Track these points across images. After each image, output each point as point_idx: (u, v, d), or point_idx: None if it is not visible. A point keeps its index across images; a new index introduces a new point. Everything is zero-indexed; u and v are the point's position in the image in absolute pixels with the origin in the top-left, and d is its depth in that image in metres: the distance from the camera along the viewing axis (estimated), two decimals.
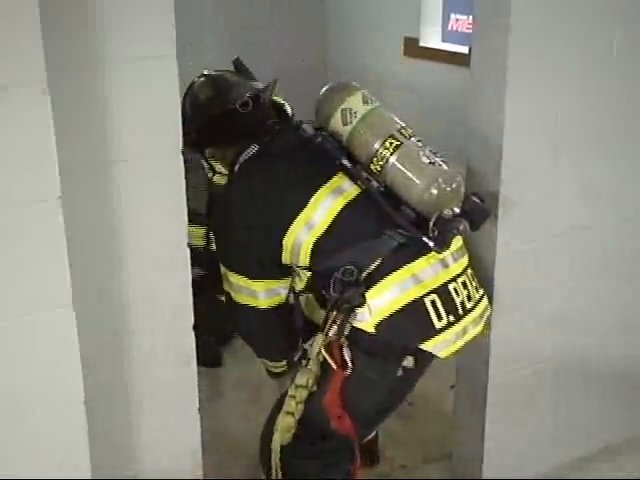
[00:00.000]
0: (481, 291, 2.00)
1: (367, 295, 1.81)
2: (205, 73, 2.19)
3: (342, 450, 2.03)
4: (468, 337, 1.92)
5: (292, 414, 1.91)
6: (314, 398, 1.92)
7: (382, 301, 1.82)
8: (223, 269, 2.04)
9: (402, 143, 1.87)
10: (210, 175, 3.19)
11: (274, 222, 1.91)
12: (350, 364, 1.84)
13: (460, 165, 2.14)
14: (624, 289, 2.53)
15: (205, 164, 3.20)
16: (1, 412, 1.54)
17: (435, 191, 1.83)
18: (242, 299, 2.02)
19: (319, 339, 1.85)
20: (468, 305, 1.91)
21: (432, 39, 5.38)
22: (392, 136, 1.88)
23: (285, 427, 1.94)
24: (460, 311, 1.89)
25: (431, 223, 1.82)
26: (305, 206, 1.88)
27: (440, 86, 4.99)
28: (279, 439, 1.96)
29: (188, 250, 1.79)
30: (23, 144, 1.41)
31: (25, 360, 1.53)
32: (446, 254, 1.88)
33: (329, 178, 1.91)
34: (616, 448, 2.63)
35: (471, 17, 4.48)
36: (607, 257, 2.44)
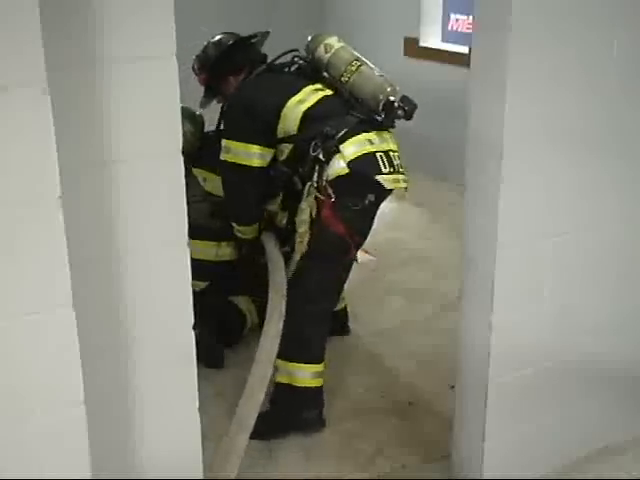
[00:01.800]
0: (405, 171, 2.82)
1: (340, 146, 2.66)
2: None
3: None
4: (400, 186, 2.75)
5: (302, 241, 2.72)
6: (315, 224, 2.72)
7: (349, 151, 2.66)
8: (227, 143, 2.86)
9: (361, 65, 2.83)
10: (203, 184, 3.22)
11: (277, 99, 2.81)
12: (333, 194, 2.65)
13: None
14: (624, 289, 2.53)
15: (196, 173, 3.22)
16: (1, 412, 1.54)
17: (383, 87, 2.75)
18: (240, 160, 2.85)
19: (309, 186, 2.71)
20: (400, 170, 2.76)
21: (432, 39, 5.39)
22: (357, 59, 2.84)
23: (301, 247, 2.73)
24: (396, 168, 2.74)
25: (380, 105, 2.74)
26: (298, 92, 2.81)
27: (440, 86, 5.00)
28: (299, 254, 2.76)
29: (188, 250, 1.79)
30: (23, 144, 1.41)
31: (25, 360, 1.53)
32: (387, 135, 2.79)
33: (312, 83, 2.87)
34: (616, 448, 2.64)
35: (471, 17, 4.49)
36: (607, 257, 2.44)
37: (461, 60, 4.32)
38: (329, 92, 2.86)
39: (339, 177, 2.67)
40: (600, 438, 2.62)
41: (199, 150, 3.26)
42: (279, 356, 2.61)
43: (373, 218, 2.85)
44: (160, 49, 1.63)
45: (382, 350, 3.31)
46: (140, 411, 1.84)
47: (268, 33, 3.18)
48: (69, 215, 1.48)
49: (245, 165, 2.85)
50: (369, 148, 2.69)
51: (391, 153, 2.75)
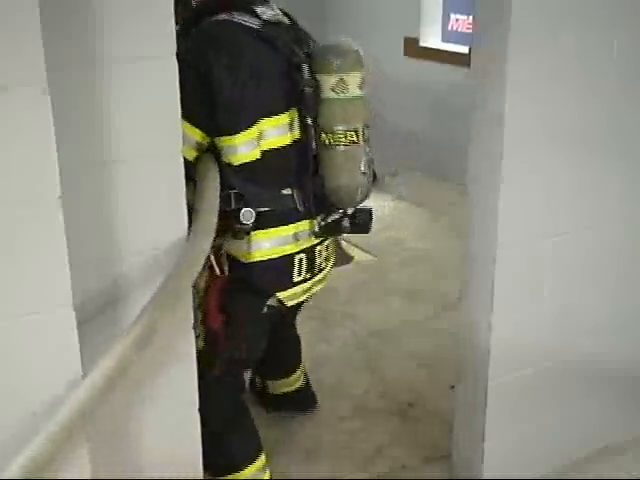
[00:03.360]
0: (334, 255, 2.27)
1: (253, 234, 2.00)
2: None
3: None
4: (310, 292, 2.19)
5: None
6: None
7: (260, 245, 2.02)
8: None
9: (358, 143, 2.04)
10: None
11: (247, 105, 1.96)
12: (226, 271, 2.04)
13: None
14: (624, 289, 2.53)
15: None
16: (1, 412, 1.54)
17: (348, 195, 2.07)
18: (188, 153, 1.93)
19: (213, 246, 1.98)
20: (323, 265, 2.18)
21: (432, 39, 5.38)
22: (356, 130, 2.03)
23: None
24: (316, 270, 2.15)
25: (330, 219, 2.09)
26: (275, 114, 2.01)
27: (440, 86, 5.00)
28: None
29: None
30: (23, 144, 1.41)
31: (25, 360, 1.53)
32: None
33: (295, 106, 2.04)
34: (616, 448, 2.64)
35: (471, 17, 4.49)
36: (607, 257, 2.44)
37: (461, 60, 4.32)
38: (295, 136, 2.06)
39: (237, 260, 2.05)
40: (600, 438, 2.62)
41: None
42: (213, 474, 2.18)
43: (265, 333, 2.20)
44: (160, 49, 1.63)
45: (382, 350, 3.31)
46: (140, 411, 1.83)
47: None
48: (69, 215, 1.48)
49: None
50: (289, 249, 2.06)
51: (319, 247, 2.13)
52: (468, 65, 2.19)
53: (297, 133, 2.06)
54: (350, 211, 2.13)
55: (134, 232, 1.71)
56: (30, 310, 1.50)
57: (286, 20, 2.16)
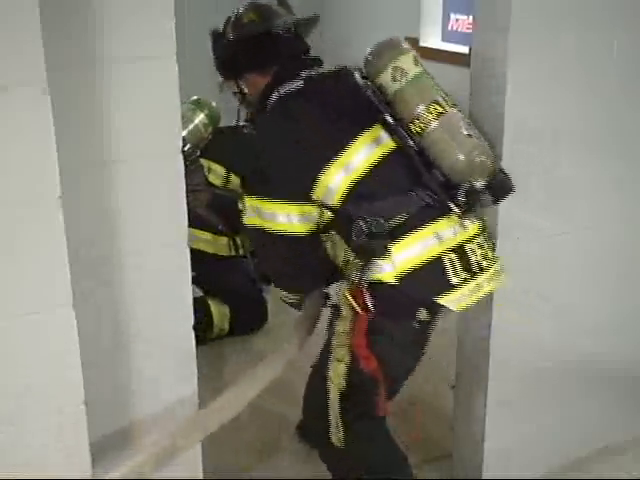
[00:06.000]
0: (494, 254, 2.08)
1: (392, 249, 1.89)
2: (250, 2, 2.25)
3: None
4: (481, 293, 1.99)
5: (342, 361, 1.98)
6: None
7: (405, 255, 1.90)
8: (254, 202, 2.04)
9: (446, 111, 1.96)
10: (207, 174, 3.21)
11: (311, 159, 1.98)
12: (372, 308, 1.91)
13: None
14: (624, 289, 2.53)
15: (204, 162, 3.22)
16: (1, 412, 1.54)
17: (469, 162, 1.93)
18: (278, 227, 2.02)
19: (343, 285, 1.97)
20: (484, 263, 2.00)
21: (432, 39, 5.38)
22: (437, 102, 1.96)
23: (338, 374, 1.99)
24: (475, 269, 1.97)
25: (461, 192, 1.93)
26: (345, 149, 1.96)
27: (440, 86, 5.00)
28: (336, 388, 2.00)
29: (188, 250, 1.79)
30: (23, 144, 1.41)
31: (25, 360, 1.53)
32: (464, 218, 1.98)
33: (370, 127, 2.01)
34: (616, 448, 2.63)
35: (471, 17, 4.49)
36: (607, 257, 2.44)
37: (461, 60, 4.31)
38: (390, 146, 2.00)
39: (382, 283, 1.92)
40: (600, 438, 2.62)
41: (208, 141, 3.25)
42: None
43: (422, 350, 2.10)
44: (160, 49, 1.63)
45: None
46: (140, 411, 1.83)
47: (318, 18, 2.25)
48: (69, 215, 1.48)
49: (289, 232, 2.03)
50: (434, 250, 1.93)
51: (469, 245, 1.97)
52: (468, 65, 2.19)
53: (390, 143, 2.00)
54: (484, 182, 1.96)
55: (134, 232, 1.71)
56: (30, 310, 1.50)
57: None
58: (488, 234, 2.08)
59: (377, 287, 1.91)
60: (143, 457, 1.70)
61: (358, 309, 1.92)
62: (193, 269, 1.80)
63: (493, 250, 2.07)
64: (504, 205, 2.15)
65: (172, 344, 1.83)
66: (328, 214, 2.02)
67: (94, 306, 1.70)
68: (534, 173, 2.20)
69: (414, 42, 5.38)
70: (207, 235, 3.28)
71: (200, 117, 3.21)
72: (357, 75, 2.05)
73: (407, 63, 1.99)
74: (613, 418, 2.64)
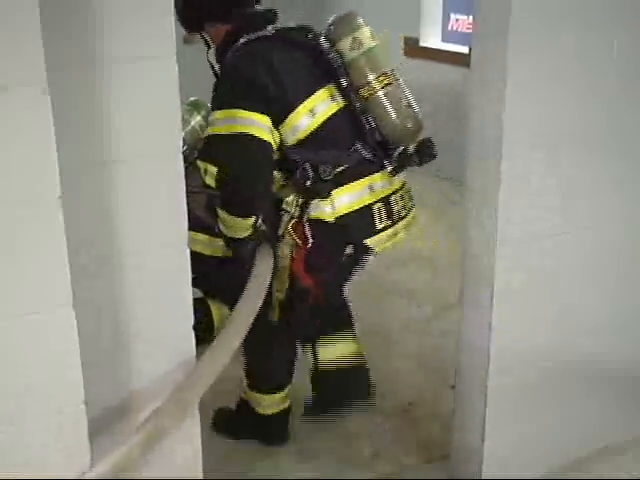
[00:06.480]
0: (412, 202, 2.48)
1: (333, 192, 2.24)
2: None
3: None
4: (397, 238, 2.41)
5: (282, 279, 2.34)
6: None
7: (343, 200, 2.26)
8: (222, 114, 2.26)
9: (391, 82, 2.29)
10: (204, 175, 3.21)
11: (287, 98, 2.24)
12: (311, 240, 2.27)
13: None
14: (624, 289, 2.53)
15: (200, 164, 3.22)
16: (1, 412, 1.54)
17: (403, 127, 2.29)
18: (245, 128, 2.21)
19: (286, 218, 2.30)
20: (402, 213, 2.40)
21: (432, 39, 5.39)
22: (385, 74, 2.29)
23: (280, 289, 2.36)
24: (396, 217, 2.37)
25: (395, 154, 2.32)
26: (311, 95, 2.27)
27: (440, 86, 5.00)
28: (277, 300, 2.37)
29: (188, 250, 1.79)
30: (23, 144, 1.41)
31: (25, 360, 1.53)
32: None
33: (327, 84, 2.31)
34: (616, 448, 2.63)
35: (471, 17, 4.49)
36: (607, 257, 2.44)
37: (461, 60, 4.32)
38: (341, 104, 2.30)
39: (320, 220, 2.28)
40: (600, 438, 2.62)
41: (205, 142, 3.25)
42: (244, 382, 2.60)
43: (350, 274, 2.52)
44: (160, 49, 1.63)
45: (382, 350, 3.31)
46: (140, 411, 1.83)
47: None
48: (69, 215, 1.48)
49: (255, 135, 2.21)
50: (366, 199, 2.29)
51: (393, 197, 2.36)
52: (468, 65, 2.19)
53: (341, 102, 2.30)
54: (412, 147, 2.35)
55: (134, 232, 1.71)
56: (30, 310, 1.50)
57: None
58: (408, 188, 2.45)
59: (316, 224, 2.26)
60: (130, 443, 1.69)
61: (298, 241, 2.28)
62: (192, 271, 1.80)
63: (411, 201, 2.46)
64: (504, 205, 2.16)
65: (172, 344, 1.83)
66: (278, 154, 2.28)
67: (94, 306, 1.70)
68: (534, 173, 2.20)
69: (414, 42, 5.39)
70: (204, 237, 3.28)
71: (197, 119, 3.22)
72: (322, 38, 2.33)
73: (365, 35, 2.31)
74: (613, 418, 2.64)
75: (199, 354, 1.88)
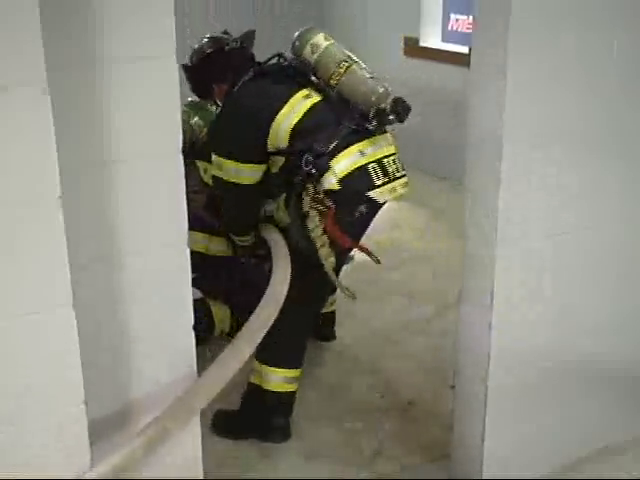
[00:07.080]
0: (404, 171, 2.75)
1: (331, 162, 2.55)
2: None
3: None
4: (397, 194, 2.69)
5: (324, 245, 2.60)
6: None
7: (340, 167, 2.56)
8: (217, 159, 2.74)
9: (351, 66, 2.66)
10: (202, 175, 3.23)
11: (265, 114, 2.65)
12: (332, 205, 2.59)
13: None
14: (624, 289, 2.53)
15: (199, 164, 3.23)
16: (1, 412, 1.54)
17: (373, 92, 2.60)
18: (231, 178, 2.72)
19: (307, 198, 2.61)
20: (397, 174, 2.69)
21: (432, 39, 5.39)
22: (345, 61, 2.66)
23: (326, 256, 2.61)
24: (391, 176, 2.65)
25: (371, 114, 2.60)
26: (286, 103, 2.64)
27: (440, 86, 5.00)
28: (330, 266, 2.61)
29: (188, 250, 1.79)
30: (23, 144, 1.41)
31: (25, 360, 1.53)
32: (381, 141, 2.66)
33: (302, 88, 2.69)
34: (616, 448, 2.63)
35: (471, 17, 4.49)
36: (607, 257, 2.44)
37: (461, 60, 4.32)
38: (317, 98, 2.68)
39: (331, 191, 2.59)
40: (600, 438, 2.62)
41: (203, 143, 3.26)
42: (255, 357, 2.64)
43: (367, 225, 2.84)
44: (160, 49, 1.63)
45: (382, 350, 3.31)
46: (140, 411, 1.84)
47: (253, 32, 3.05)
48: (69, 215, 1.48)
49: (236, 183, 2.73)
50: (360, 161, 2.59)
51: (385, 160, 2.66)
52: (468, 65, 2.19)
53: (317, 97, 2.68)
54: (388, 107, 2.60)
55: (134, 232, 1.71)
56: (30, 310, 1.50)
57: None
58: (399, 157, 2.72)
59: (330, 193, 2.57)
60: (133, 444, 1.72)
61: (323, 209, 2.59)
62: (192, 271, 1.80)
63: (403, 169, 2.73)
64: (504, 205, 2.16)
65: (172, 344, 1.83)
66: (281, 160, 2.67)
67: (94, 306, 1.70)
68: (534, 173, 2.20)
69: (414, 42, 5.39)
70: (204, 236, 3.28)
71: (195, 119, 3.25)
72: (288, 56, 2.77)
73: (320, 40, 2.70)
74: (613, 418, 2.64)
75: (199, 354, 1.88)
